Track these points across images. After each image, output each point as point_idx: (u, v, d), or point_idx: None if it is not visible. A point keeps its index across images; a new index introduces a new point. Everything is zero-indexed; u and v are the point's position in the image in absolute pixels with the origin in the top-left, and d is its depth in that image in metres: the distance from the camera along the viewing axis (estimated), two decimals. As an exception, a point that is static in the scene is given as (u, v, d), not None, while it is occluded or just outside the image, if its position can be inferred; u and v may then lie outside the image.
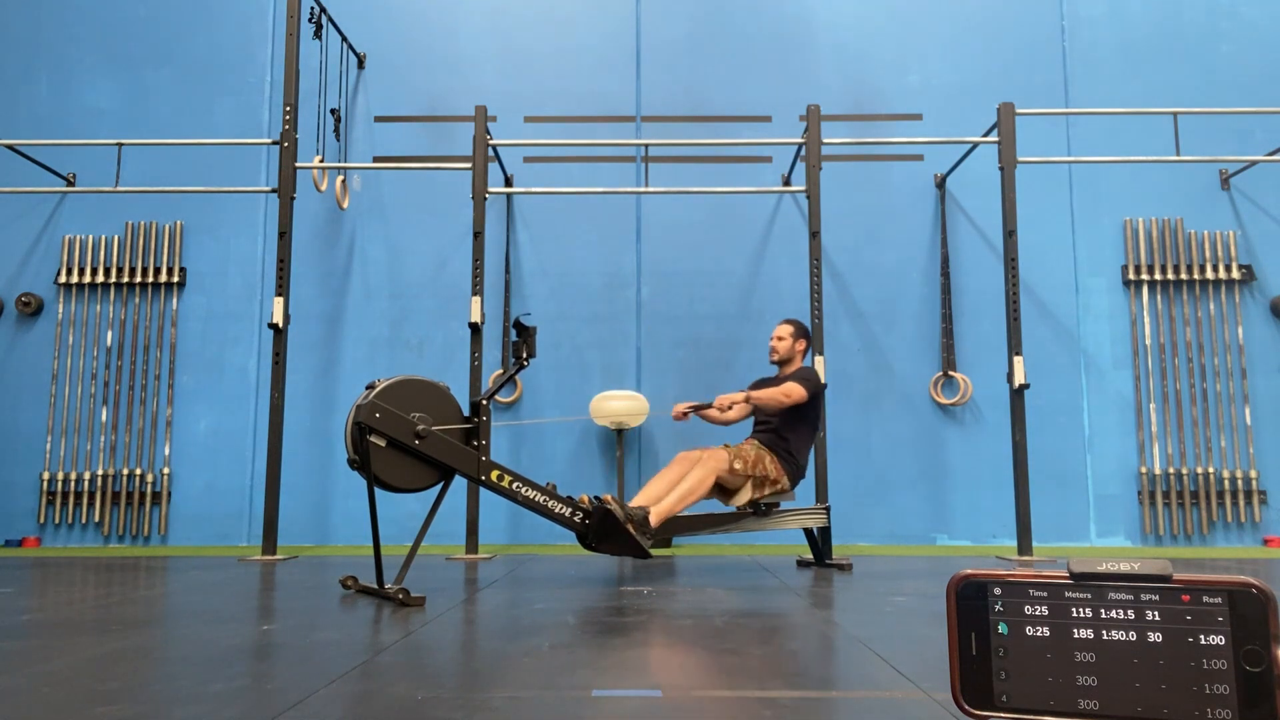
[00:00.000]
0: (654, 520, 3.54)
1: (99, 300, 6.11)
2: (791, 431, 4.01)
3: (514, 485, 3.30)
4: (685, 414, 4.06)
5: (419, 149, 6.21)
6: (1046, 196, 6.09)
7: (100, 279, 6.08)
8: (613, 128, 6.21)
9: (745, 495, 3.84)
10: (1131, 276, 6.04)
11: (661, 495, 3.70)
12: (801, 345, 4.23)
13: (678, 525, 3.78)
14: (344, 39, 6.11)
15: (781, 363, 4.22)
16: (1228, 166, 6.09)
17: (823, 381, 4.21)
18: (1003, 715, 0.96)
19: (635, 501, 3.64)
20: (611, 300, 6.11)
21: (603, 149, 6.15)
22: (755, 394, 3.97)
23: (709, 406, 4.03)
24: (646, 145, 5.70)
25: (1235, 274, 5.98)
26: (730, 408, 3.98)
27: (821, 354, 4.99)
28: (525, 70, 6.32)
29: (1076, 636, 0.94)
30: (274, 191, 5.19)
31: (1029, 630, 0.96)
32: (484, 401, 3.24)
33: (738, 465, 3.79)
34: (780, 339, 4.22)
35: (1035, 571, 0.98)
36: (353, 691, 1.62)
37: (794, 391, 3.94)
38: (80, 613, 2.67)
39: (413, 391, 3.07)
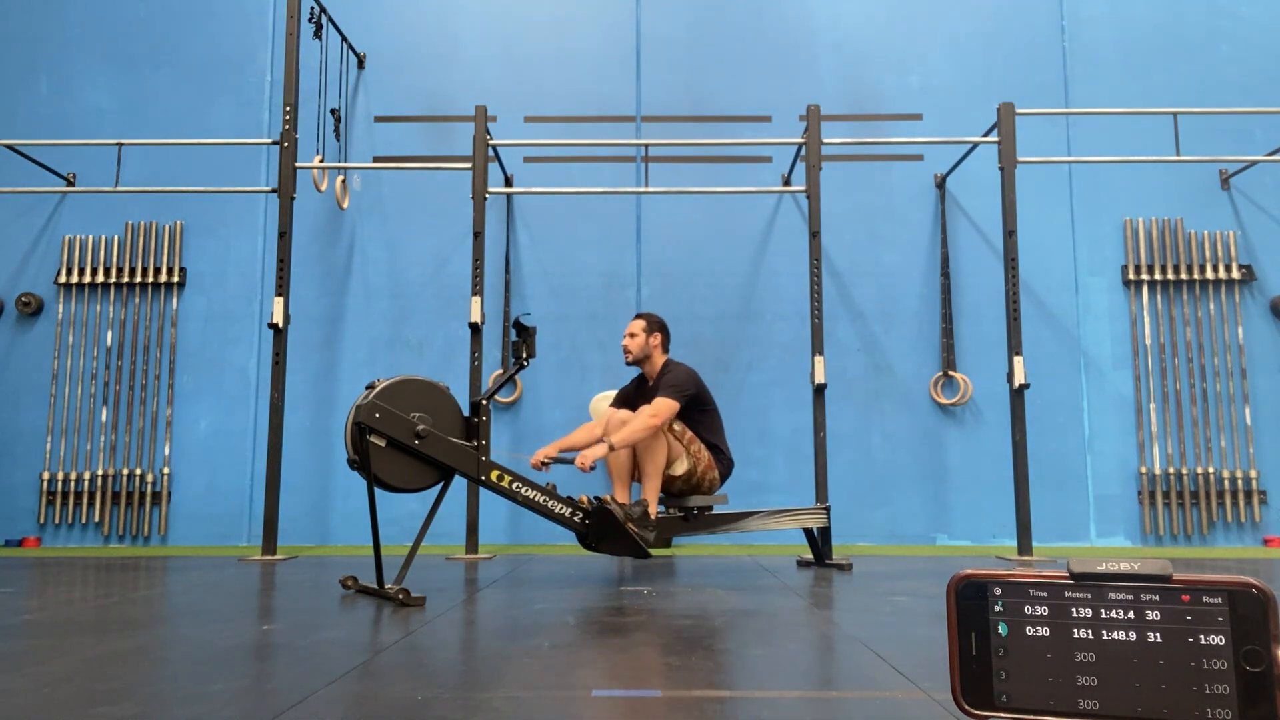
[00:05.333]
0: (650, 504, 3.55)
1: (99, 300, 6.11)
2: (695, 426, 3.84)
3: (514, 485, 3.30)
4: (545, 464, 3.68)
5: (419, 149, 6.21)
6: (1046, 196, 6.09)
7: (100, 279, 6.07)
8: (613, 128, 6.21)
9: (681, 467, 3.73)
10: (1131, 276, 6.04)
11: (629, 473, 3.66)
12: (656, 340, 3.96)
13: (677, 526, 3.78)
14: (344, 39, 6.11)
15: (639, 361, 3.96)
16: (1228, 166, 6.09)
17: (694, 377, 3.84)
18: (1003, 715, 0.96)
19: (615, 492, 3.64)
20: (611, 300, 6.11)
21: (603, 149, 6.15)
22: (618, 436, 3.50)
23: (571, 460, 3.57)
24: (646, 145, 5.69)
25: (1235, 274, 5.98)
26: (592, 466, 3.43)
27: (821, 354, 4.98)
28: (525, 70, 6.32)
29: (1076, 636, 0.94)
30: (274, 191, 5.19)
31: (1029, 630, 0.96)
32: (484, 401, 3.24)
33: (676, 427, 3.73)
34: (632, 336, 3.93)
35: (1035, 571, 0.98)
36: (353, 691, 1.62)
37: (662, 410, 3.59)
38: (80, 613, 2.67)
39: (413, 391, 3.07)
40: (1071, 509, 5.85)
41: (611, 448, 3.48)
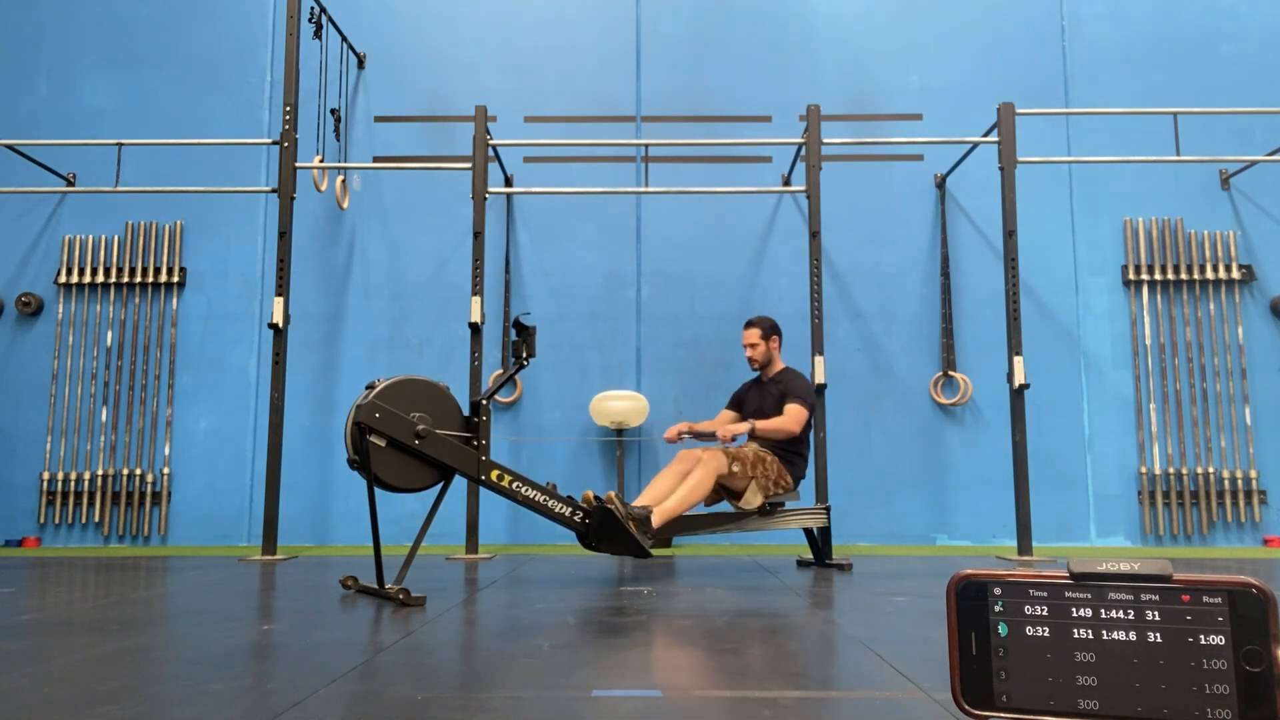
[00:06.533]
0: (657, 520, 3.54)
1: (99, 300, 6.11)
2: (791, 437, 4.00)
3: (514, 485, 3.30)
4: (680, 436, 3.98)
5: (419, 149, 6.21)
6: (1046, 196, 6.09)
7: (100, 279, 6.07)
8: (613, 128, 6.21)
9: (755, 498, 3.82)
10: (1131, 276, 6.04)
11: (665, 495, 3.70)
12: (775, 342, 4.19)
13: (678, 525, 3.78)
14: (344, 39, 6.11)
15: (762, 366, 4.20)
16: (1228, 166, 6.09)
17: (813, 384, 4.20)
18: (1003, 715, 0.96)
19: (639, 501, 3.65)
20: (611, 300, 6.11)
21: (603, 149, 6.15)
22: (762, 425, 3.88)
23: (711, 435, 3.93)
24: (646, 145, 5.69)
25: (1235, 274, 5.98)
26: (734, 439, 3.86)
27: (821, 354, 4.98)
28: (525, 70, 6.32)
29: (1076, 636, 0.94)
30: (274, 191, 5.19)
31: (1029, 630, 0.96)
32: (484, 401, 3.24)
33: (735, 468, 3.78)
34: (754, 345, 4.17)
35: (1035, 571, 0.98)
36: (353, 691, 1.62)
37: (801, 417, 3.93)
38: (80, 613, 2.67)
39: (413, 391, 3.07)
40: (1071, 509, 5.85)
41: (753, 432, 3.84)
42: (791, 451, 4.00)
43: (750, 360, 4.20)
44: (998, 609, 0.98)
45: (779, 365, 4.21)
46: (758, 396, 4.19)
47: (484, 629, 2.42)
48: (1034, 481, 5.00)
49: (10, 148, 5.65)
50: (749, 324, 4.22)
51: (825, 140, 5.21)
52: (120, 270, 6.11)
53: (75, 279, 6.07)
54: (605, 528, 3.43)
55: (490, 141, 5.25)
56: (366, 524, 3.17)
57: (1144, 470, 5.87)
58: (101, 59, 6.34)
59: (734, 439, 3.85)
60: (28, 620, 2.52)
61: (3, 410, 6.01)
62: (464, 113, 5.84)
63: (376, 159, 6.16)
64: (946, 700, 1.52)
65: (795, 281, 6.03)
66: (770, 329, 4.20)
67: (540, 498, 3.36)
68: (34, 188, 5.96)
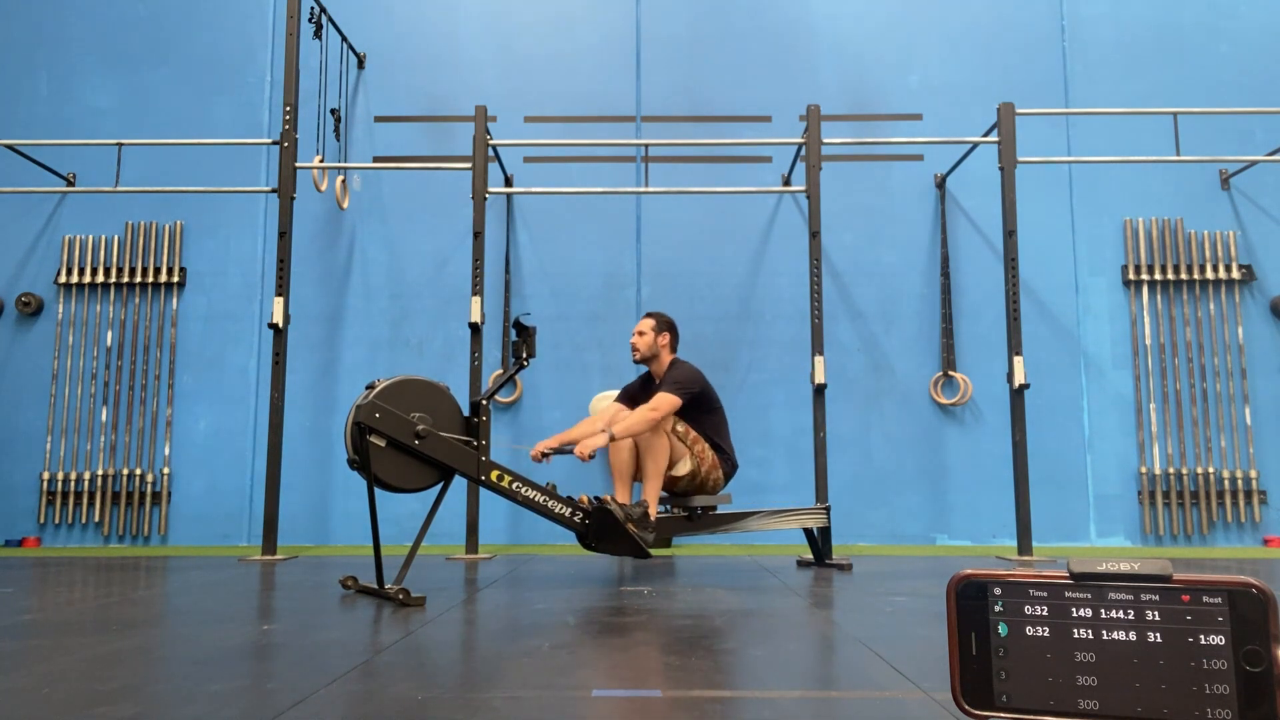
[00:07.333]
0: (651, 511, 3.55)
1: (99, 300, 6.11)
2: (698, 425, 3.84)
3: (514, 485, 3.30)
4: (546, 455, 3.66)
5: (419, 149, 6.21)
6: (1046, 196, 6.09)
7: (100, 279, 6.07)
8: (613, 128, 6.21)
9: (685, 466, 3.74)
10: (1131, 276, 6.04)
11: (630, 473, 3.68)
12: (665, 339, 3.95)
13: (678, 526, 3.78)
14: (344, 39, 6.11)
15: (646, 360, 3.97)
16: (1228, 166, 6.09)
17: (699, 376, 3.86)
18: (1003, 715, 0.96)
19: (616, 493, 3.64)
20: (611, 300, 6.11)
21: (603, 149, 6.15)
22: (618, 427, 3.56)
23: (571, 451, 3.61)
24: (646, 145, 5.69)
25: (1235, 274, 5.98)
26: (592, 455, 3.51)
27: (821, 354, 4.98)
28: (525, 70, 6.32)
29: (1076, 636, 0.94)
30: (274, 191, 5.19)
31: (1029, 630, 0.96)
32: (484, 401, 3.24)
33: (680, 427, 3.74)
34: (641, 334, 3.94)
35: (1035, 571, 0.98)
36: (353, 691, 1.62)
37: (662, 404, 3.62)
38: (80, 613, 2.67)
39: (413, 391, 3.07)
40: (1071, 509, 5.85)
41: (612, 437, 3.54)
42: (720, 450, 3.89)
43: (633, 348, 3.96)
44: (998, 609, 0.98)
45: (667, 360, 3.97)
46: (647, 397, 3.90)
47: (484, 629, 2.42)
48: (1034, 481, 5.00)
49: (10, 148, 5.65)
50: (647, 314, 4.03)
51: (825, 140, 5.21)
52: (120, 270, 6.11)
53: (75, 279, 6.07)
54: (605, 528, 3.43)
55: (490, 141, 5.25)
56: (366, 524, 3.16)
57: (1144, 470, 5.87)
58: (101, 59, 6.33)
59: (592, 455, 3.53)
60: (28, 620, 2.52)
61: (3, 410, 6.01)
62: (464, 113, 5.83)
63: (376, 159, 6.16)
64: (946, 700, 1.52)
65: (795, 281, 6.02)
66: (665, 325, 3.98)
67: (540, 498, 3.36)
68: (34, 188, 5.96)
